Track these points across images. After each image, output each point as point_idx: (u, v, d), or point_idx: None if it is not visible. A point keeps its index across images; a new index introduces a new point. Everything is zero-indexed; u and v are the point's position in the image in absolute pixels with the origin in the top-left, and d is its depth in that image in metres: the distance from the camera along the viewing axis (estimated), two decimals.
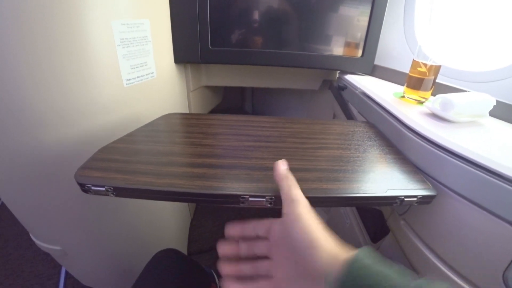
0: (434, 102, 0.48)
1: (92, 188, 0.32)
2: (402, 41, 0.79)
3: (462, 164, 0.36)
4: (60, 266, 1.09)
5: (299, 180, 0.29)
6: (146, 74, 0.60)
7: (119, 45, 0.52)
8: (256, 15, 0.70)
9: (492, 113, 0.52)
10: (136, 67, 0.57)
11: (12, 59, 0.43)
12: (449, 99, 0.45)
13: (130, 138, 0.46)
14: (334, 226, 0.91)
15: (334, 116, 0.89)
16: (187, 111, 0.86)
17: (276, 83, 0.90)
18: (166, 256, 0.50)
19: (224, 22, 0.69)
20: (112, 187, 0.32)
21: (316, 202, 0.31)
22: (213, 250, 1.14)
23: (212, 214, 1.32)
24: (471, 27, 0.76)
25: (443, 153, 0.38)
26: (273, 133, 0.50)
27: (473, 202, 0.35)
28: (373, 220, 0.67)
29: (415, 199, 0.35)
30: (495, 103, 0.48)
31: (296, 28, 0.72)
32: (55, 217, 0.64)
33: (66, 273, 1.06)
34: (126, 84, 0.55)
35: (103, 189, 0.32)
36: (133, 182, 0.32)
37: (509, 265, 0.32)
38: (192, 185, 0.32)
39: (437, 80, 0.59)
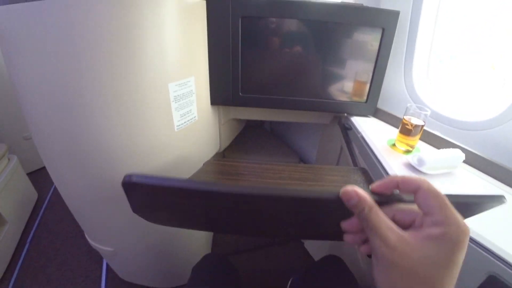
0: (413, 158, 0.62)
1: None
2: (402, 90, 0.92)
3: None
4: (101, 261, 1.28)
5: None
6: (190, 119, 0.77)
7: (173, 101, 0.69)
8: (278, 70, 0.85)
9: (467, 162, 0.65)
10: (184, 115, 0.74)
11: (97, 115, 0.61)
12: (421, 157, 0.58)
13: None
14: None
15: (341, 148, 1.03)
16: (218, 140, 1.03)
17: (293, 118, 1.06)
18: (214, 260, 0.65)
19: (252, 75, 0.85)
20: None
21: None
22: (235, 254, 1.30)
23: None
24: (464, 82, 0.88)
25: None
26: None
27: None
28: None
29: None
30: (464, 158, 0.61)
31: (313, 79, 0.88)
32: (111, 223, 0.82)
33: (107, 266, 1.25)
34: (177, 129, 0.72)
35: None
36: None
37: None
38: None
39: (430, 130, 0.76)
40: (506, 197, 0.28)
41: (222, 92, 0.87)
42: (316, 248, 1.26)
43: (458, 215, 0.22)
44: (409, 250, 0.22)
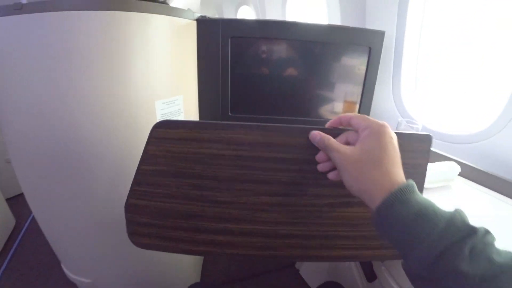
0: None
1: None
2: (392, 106, 0.92)
3: None
4: None
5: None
6: None
7: (159, 119, 0.67)
8: (269, 90, 0.85)
9: (463, 174, 0.64)
10: None
11: (88, 131, 0.58)
12: None
13: None
14: (334, 263, 0.99)
15: None
16: None
17: None
18: None
19: (241, 95, 0.84)
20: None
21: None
22: (225, 283, 1.21)
23: None
24: (451, 96, 0.89)
25: None
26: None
27: None
28: (368, 262, 0.75)
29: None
30: (459, 170, 0.60)
31: (303, 99, 0.87)
32: (90, 251, 0.76)
33: None
34: None
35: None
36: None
37: None
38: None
39: None
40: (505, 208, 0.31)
41: (211, 112, 0.85)
42: (312, 275, 1.19)
43: (377, 120, 0.34)
44: (354, 150, 0.33)
